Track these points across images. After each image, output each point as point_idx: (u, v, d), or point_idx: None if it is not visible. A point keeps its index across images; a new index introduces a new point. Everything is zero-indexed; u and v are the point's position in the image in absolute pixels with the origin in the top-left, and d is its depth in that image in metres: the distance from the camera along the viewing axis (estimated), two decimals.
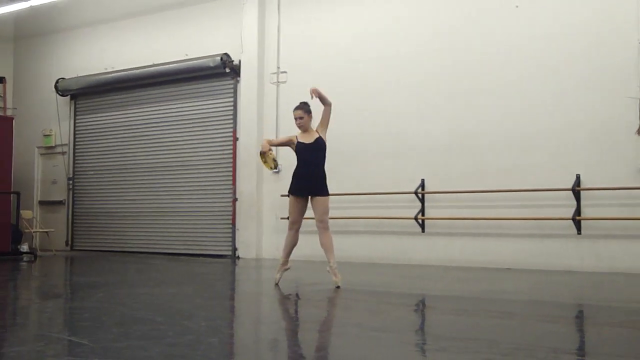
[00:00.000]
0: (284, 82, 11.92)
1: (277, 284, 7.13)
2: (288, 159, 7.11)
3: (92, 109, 14.69)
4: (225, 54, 12.37)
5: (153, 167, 13.55)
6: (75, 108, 14.97)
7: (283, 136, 7.45)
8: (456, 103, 10.26)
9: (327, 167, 7.13)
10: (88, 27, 14.70)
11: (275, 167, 7.37)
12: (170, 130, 13.36)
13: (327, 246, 6.99)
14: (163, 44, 13.44)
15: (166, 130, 13.41)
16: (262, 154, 7.10)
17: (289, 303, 6.26)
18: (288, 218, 7.37)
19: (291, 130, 7.40)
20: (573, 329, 4.98)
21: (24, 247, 13.01)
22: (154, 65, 13.32)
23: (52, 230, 13.91)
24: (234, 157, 12.41)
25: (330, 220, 10.66)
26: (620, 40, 9.07)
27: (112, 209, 14.10)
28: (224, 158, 12.62)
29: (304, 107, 7.13)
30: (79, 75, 14.51)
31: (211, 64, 12.48)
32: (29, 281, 8.86)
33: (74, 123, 14.94)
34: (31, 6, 13.45)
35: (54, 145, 15.12)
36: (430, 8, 10.65)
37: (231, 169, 12.46)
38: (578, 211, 9.08)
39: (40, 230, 14.05)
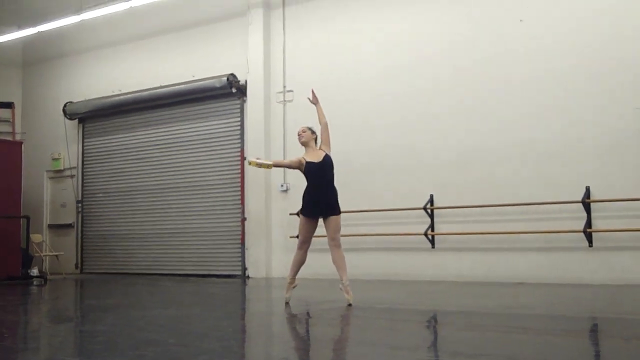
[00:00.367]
0: (291, 100, 11.97)
1: (287, 303, 7.12)
2: (295, 178, 7.10)
3: (100, 132, 14.77)
4: (232, 74, 12.44)
5: (161, 189, 13.58)
6: (83, 131, 15.06)
7: (291, 158, 7.45)
8: (463, 118, 10.26)
9: (336, 184, 7.13)
10: (95, 51, 14.82)
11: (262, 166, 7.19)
12: (178, 152, 13.41)
13: (339, 264, 6.99)
14: (170, 66, 13.53)
15: (174, 151, 13.46)
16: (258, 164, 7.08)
17: (301, 322, 6.23)
18: (297, 237, 7.35)
19: (298, 149, 7.40)
20: (588, 343, 4.94)
21: (34, 271, 13.03)
22: (160, 87, 13.40)
23: (62, 253, 13.93)
24: (242, 177, 12.43)
25: (341, 238, 10.72)
26: (629, 52, 9.06)
27: (122, 231, 14.12)
28: (232, 178, 12.65)
29: (310, 127, 7.26)
30: (86, 98, 14.61)
31: (218, 85, 12.54)
32: (39, 305, 8.87)
33: (82, 146, 15.02)
34: (39, 32, 13.60)
35: (62, 168, 15.19)
36: (436, 23, 10.69)
37: (239, 188, 12.47)
38: (589, 223, 9.04)
39: (50, 254, 14.07)
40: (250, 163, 7.12)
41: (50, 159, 15.39)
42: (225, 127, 12.83)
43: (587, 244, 9.07)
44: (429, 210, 10.33)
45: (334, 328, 5.79)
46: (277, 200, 11.94)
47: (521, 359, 4.00)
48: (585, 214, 9.07)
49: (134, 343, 4.80)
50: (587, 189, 9.13)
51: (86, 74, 15.03)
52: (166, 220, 13.46)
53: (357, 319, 6.20)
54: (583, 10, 9.49)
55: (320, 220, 7.10)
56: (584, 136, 9.29)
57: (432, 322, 6.16)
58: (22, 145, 13.42)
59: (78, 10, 13.01)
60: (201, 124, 13.14)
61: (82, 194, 14.93)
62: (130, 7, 12.38)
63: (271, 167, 7.40)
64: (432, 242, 10.32)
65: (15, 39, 14.09)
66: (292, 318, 6.46)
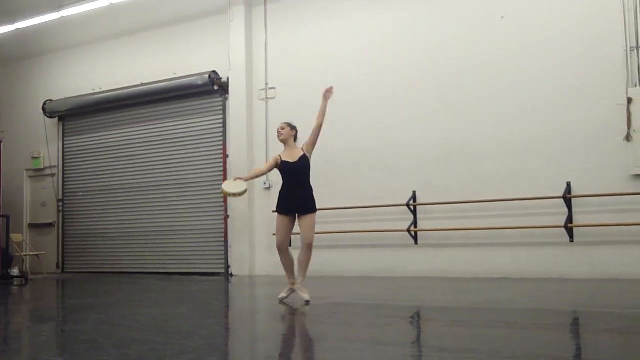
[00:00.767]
0: (273, 98, 11.95)
1: (281, 301, 7.02)
2: (278, 176, 7.08)
3: (80, 130, 14.64)
4: (214, 71, 12.39)
5: (143, 187, 13.50)
6: (63, 129, 14.92)
7: (269, 161, 7.39)
8: (445, 114, 10.31)
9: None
10: (75, 48, 14.68)
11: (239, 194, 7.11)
12: (160, 150, 13.33)
13: (303, 264, 6.97)
14: (150, 63, 13.44)
15: (156, 149, 13.38)
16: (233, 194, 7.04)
17: (286, 319, 6.22)
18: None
19: (280, 146, 7.37)
20: (572, 337, 4.99)
21: (15, 271, 12.90)
22: (142, 84, 13.32)
23: (43, 253, 13.79)
24: (225, 174, 12.39)
25: (323, 235, 10.74)
26: (607, 48, 9.16)
27: (103, 229, 14.02)
28: (214, 175, 12.60)
29: (289, 123, 7.24)
30: (66, 96, 14.47)
31: (199, 82, 12.49)
32: (21, 305, 8.77)
33: (63, 145, 14.88)
34: (17, 29, 13.46)
35: (42, 167, 15.04)
36: (418, 20, 10.72)
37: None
38: (570, 219, 9.13)
39: (31, 253, 13.93)
40: (223, 193, 7.14)
41: (30, 158, 15.22)
42: (207, 125, 12.78)
43: (568, 239, 9.15)
44: (411, 207, 10.37)
45: (318, 325, 5.79)
46: (260, 198, 11.92)
47: (506, 354, 4.02)
48: (566, 210, 9.15)
49: (118, 342, 4.76)
50: (568, 185, 9.22)
51: (66, 72, 14.88)
52: (149, 218, 13.38)
53: (342, 315, 6.21)
54: (563, 6, 9.57)
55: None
56: (565, 132, 9.37)
57: (417, 318, 6.18)
58: (1, 144, 13.26)
59: (57, 7, 12.91)
60: (183, 122, 13.07)
61: (63, 193, 14.79)
62: (110, 3, 12.30)
63: (243, 194, 7.24)
64: (415, 238, 10.36)
65: None
66: (276, 315, 6.46)
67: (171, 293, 9.27)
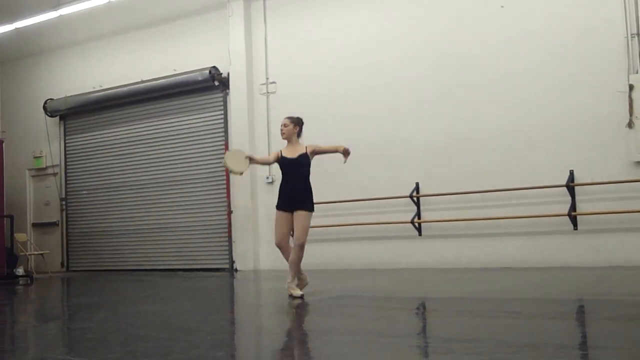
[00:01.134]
0: (274, 92, 11.93)
1: (299, 297, 6.79)
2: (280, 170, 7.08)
3: (82, 129, 14.64)
4: (214, 67, 12.38)
5: (146, 184, 13.50)
6: (65, 128, 14.91)
7: (269, 155, 7.33)
8: (446, 105, 10.29)
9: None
10: (74, 47, 14.66)
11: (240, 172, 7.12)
12: (161, 146, 13.32)
13: (294, 264, 6.90)
14: (150, 60, 13.42)
15: (158, 146, 13.38)
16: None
17: (292, 313, 6.23)
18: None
19: (282, 141, 7.35)
20: (577, 325, 4.99)
21: (20, 271, 12.93)
22: (142, 81, 13.30)
23: (48, 252, 13.81)
24: (227, 170, 12.34)
25: (327, 228, 10.75)
26: (608, 35, 9.13)
27: (107, 227, 14.03)
28: (217, 171, 12.59)
29: (292, 117, 7.16)
30: (67, 95, 14.46)
31: (200, 78, 12.47)
32: (26, 304, 8.80)
33: (65, 143, 14.88)
34: (16, 28, 13.45)
35: (45, 166, 15.05)
36: (418, 11, 10.67)
37: (224, 181, 12.43)
38: (573, 207, 9.12)
39: (35, 252, 13.95)
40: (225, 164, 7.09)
41: (32, 157, 15.23)
42: (208, 121, 12.77)
43: (572, 227, 9.15)
44: (415, 199, 10.36)
45: (324, 318, 5.80)
46: (263, 192, 11.92)
47: (513, 343, 4.03)
48: (569, 198, 9.14)
49: (124, 339, 4.78)
50: (571, 173, 9.20)
51: (66, 71, 14.87)
52: (152, 215, 13.39)
53: (347, 308, 6.22)
54: None
55: None
56: (566, 121, 9.35)
57: (423, 309, 6.19)
58: (3, 144, 13.27)
59: (56, 6, 12.88)
60: (184, 118, 13.06)
61: (66, 192, 14.80)
62: (109, 1, 12.27)
63: (241, 174, 7.23)
64: (419, 229, 10.36)
65: None
66: (281, 309, 6.47)
67: (176, 289, 9.29)
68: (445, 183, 10.14)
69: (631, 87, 8.85)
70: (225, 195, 12.42)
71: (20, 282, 12.01)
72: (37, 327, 6.23)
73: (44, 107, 14.75)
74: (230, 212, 12.30)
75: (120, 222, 13.84)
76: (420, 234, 10.37)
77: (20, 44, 15.05)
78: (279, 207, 7.05)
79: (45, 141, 14.90)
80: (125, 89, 13.52)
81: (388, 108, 10.78)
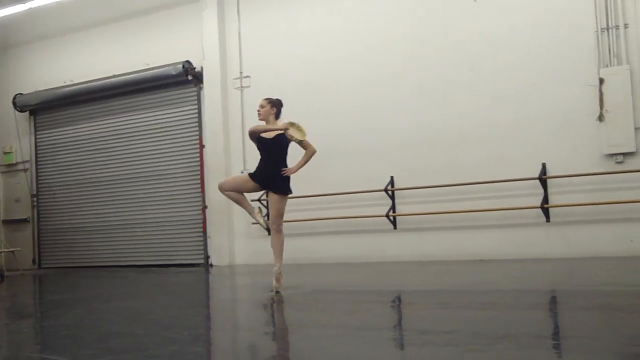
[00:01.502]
0: (248, 86, 11.87)
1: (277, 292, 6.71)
2: (256, 164, 7.02)
3: (53, 124, 14.42)
4: (187, 61, 12.27)
5: (119, 179, 13.36)
6: (35, 123, 14.68)
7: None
8: (420, 99, 10.32)
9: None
10: (44, 40, 14.41)
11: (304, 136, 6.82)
12: (135, 141, 13.18)
13: (275, 248, 6.79)
14: (122, 54, 13.25)
15: (131, 141, 13.24)
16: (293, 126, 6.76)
17: (267, 308, 6.22)
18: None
19: None
20: (551, 315, 5.06)
21: None
22: (114, 76, 13.13)
23: (19, 249, 13.61)
24: (202, 165, 12.32)
25: (300, 223, 10.74)
26: (578, 30, 9.23)
27: (80, 224, 13.86)
28: (191, 166, 12.51)
29: (269, 98, 7.01)
30: (37, 89, 14.23)
31: (173, 72, 12.36)
32: None
33: (35, 139, 14.64)
34: None
35: (14, 162, 14.80)
36: (392, 5, 10.67)
37: (199, 176, 12.36)
38: (546, 199, 9.23)
39: (6, 250, 13.74)
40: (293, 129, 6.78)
41: (1, 153, 14.98)
42: (182, 115, 12.67)
43: (544, 219, 9.26)
44: (389, 192, 10.40)
45: (300, 312, 5.80)
46: None
47: (488, 334, 4.07)
48: (542, 191, 9.25)
49: (100, 336, 4.73)
50: (544, 166, 9.31)
51: (36, 65, 14.62)
52: (126, 211, 13.25)
53: (323, 302, 6.23)
54: None
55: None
56: (539, 115, 9.44)
57: (397, 302, 6.22)
58: None
59: None
60: (158, 113, 12.93)
61: (37, 188, 14.58)
62: None
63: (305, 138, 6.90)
64: (394, 223, 10.40)
65: None
66: (258, 304, 6.46)
67: (151, 285, 9.22)
68: (420, 176, 10.18)
69: (601, 81, 8.97)
70: (199, 190, 12.35)
71: None
72: (9, 324, 6.14)
73: (13, 102, 14.48)
74: (204, 207, 12.23)
75: (93, 218, 13.68)
76: (395, 228, 10.41)
77: None
78: (252, 175, 6.90)
79: (15, 137, 14.64)
80: (97, 83, 13.33)
81: (363, 102, 10.78)
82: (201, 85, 12.36)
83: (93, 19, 13.63)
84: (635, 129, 8.81)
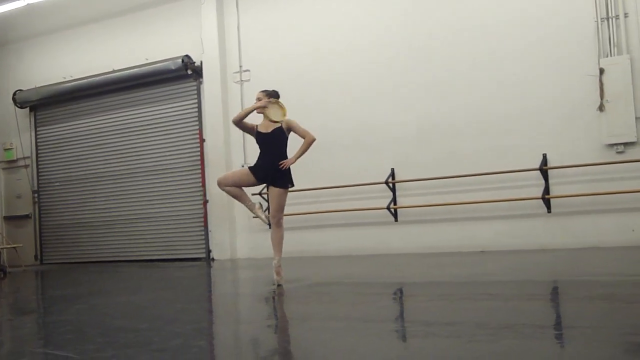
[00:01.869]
0: (248, 80, 11.86)
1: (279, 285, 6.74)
2: (256, 158, 7.01)
3: (53, 120, 14.42)
4: (187, 55, 12.26)
5: (120, 175, 13.37)
6: (35, 120, 14.68)
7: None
8: (421, 91, 10.32)
9: (297, 162, 6.96)
10: (44, 36, 14.40)
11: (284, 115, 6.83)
12: (136, 136, 13.19)
13: (275, 242, 6.81)
14: (122, 49, 13.24)
15: (131, 136, 13.24)
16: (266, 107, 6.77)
17: (270, 301, 6.23)
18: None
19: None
20: (554, 305, 5.07)
21: None
22: (114, 71, 13.13)
23: (21, 245, 13.62)
24: (202, 159, 12.32)
25: (303, 216, 10.75)
26: (578, 20, 9.22)
27: (81, 219, 13.88)
28: (192, 160, 12.52)
29: (267, 90, 7.00)
30: (37, 85, 14.23)
31: (172, 67, 12.35)
32: (0, 298, 8.67)
33: (36, 135, 14.65)
34: None
35: (15, 158, 14.81)
36: (392, 0, 10.69)
37: (200, 171, 12.36)
38: (547, 190, 9.23)
39: (8, 246, 13.76)
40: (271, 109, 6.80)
41: (2, 150, 14.99)
42: (182, 110, 12.67)
43: (545, 210, 9.27)
44: (390, 185, 10.40)
45: (303, 305, 5.81)
46: None
47: (491, 325, 4.08)
48: (543, 181, 9.25)
49: (103, 331, 4.74)
50: (544, 157, 9.31)
51: (35, 61, 14.61)
52: (127, 206, 13.27)
53: (326, 295, 6.24)
54: None
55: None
56: (539, 105, 9.44)
57: (402, 294, 6.23)
58: None
59: None
60: (158, 108, 12.93)
61: (38, 184, 14.60)
62: None
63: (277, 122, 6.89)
64: (395, 215, 10.41)
65: None
66: (260, 298, 6.47)
67: (153, 280, 9.23)
68: (421, 169, 10.19)
69: (602, 71, 8.96)
70: (200, 184, 12.36)
71: None
72: (12, 320, 6.15)
73: (13, 98, 14.49)
74: (206, 202, 12.25)
75: (94, 213, 13.70)
76: (396, 220, 10.42)
77: None
78: (252, 168, 6.89)
79: (16, 133, 14.65)
80: (96, 78, 13.33)
81: (363, 94, 10.78)
82: (201, 80, 12.36)
83: (92, 15, 13.61)
84: (636, 118, 8.81)
